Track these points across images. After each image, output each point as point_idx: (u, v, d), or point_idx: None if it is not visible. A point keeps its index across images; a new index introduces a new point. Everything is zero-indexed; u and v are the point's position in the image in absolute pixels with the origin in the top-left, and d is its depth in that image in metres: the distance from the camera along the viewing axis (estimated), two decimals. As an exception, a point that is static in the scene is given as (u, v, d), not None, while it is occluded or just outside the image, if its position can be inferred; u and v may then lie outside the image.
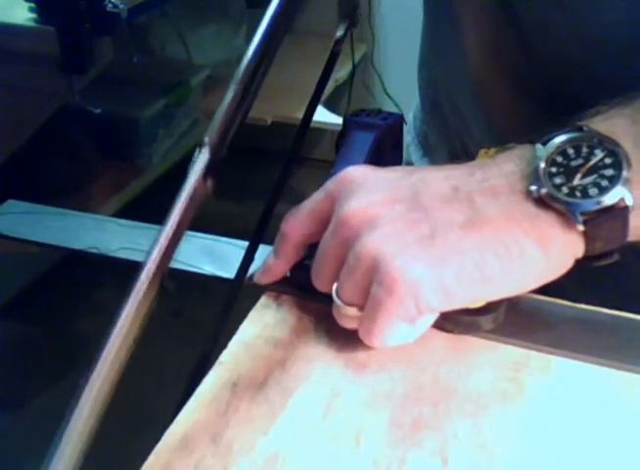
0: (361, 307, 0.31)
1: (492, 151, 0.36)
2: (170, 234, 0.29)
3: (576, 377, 0.32)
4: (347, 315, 0.32)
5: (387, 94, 1.81)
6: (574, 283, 0.32)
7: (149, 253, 0.28)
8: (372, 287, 0.30)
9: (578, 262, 0.30)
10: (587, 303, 0.36)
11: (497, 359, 0.33)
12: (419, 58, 0.53)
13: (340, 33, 0.45)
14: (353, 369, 0.33)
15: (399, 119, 0.45)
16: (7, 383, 1.26)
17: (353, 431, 0.30)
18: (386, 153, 0.44)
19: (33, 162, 1.41)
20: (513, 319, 0.34)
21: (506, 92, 0.43)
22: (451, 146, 0.51)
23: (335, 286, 0.32)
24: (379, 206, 0.31)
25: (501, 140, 0.34)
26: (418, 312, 0.30)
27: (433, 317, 0.32)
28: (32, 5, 1.08)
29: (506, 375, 0.32)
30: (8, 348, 1.33)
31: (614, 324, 0.35)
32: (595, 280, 0.39)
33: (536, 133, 0.32)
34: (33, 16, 1.08)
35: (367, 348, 0.32)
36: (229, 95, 0.30)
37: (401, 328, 0.31)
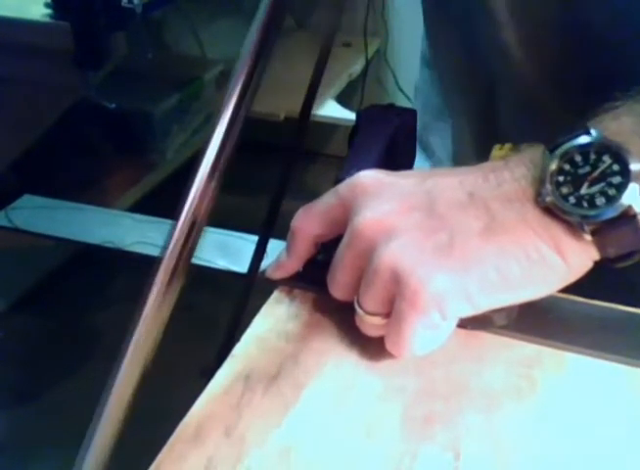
0: (384, 316, 0.31)
1: (506, 147, 0.35)
2: (188, 225, 0.29)
3: (590, 374, 0.32)
4: (371, 324, 0.32)
5: (400, 89, 1.81)
6: (589, 279, 0.32)
7: (166, 246, 0.29)
8: (395, 300, 0.30)
9: (598, 264, 0.30)
10: (602, 299, 0.36)
11: (510, 355, 0.33)
12: (421, 56, 0.53)
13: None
14: (365, 363, 0.33)
15: (413, 115, 0.45)
16: (22, 375, 1.27)
17: (365, 424, 0.30)
18: (399, 148, 0.44)
19: (48, 157, 1.42)
20: (526, 315, 0.34)
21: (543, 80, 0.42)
22: (452, 149, 0.51)
23: (355, 296, 0.32)
24: (394, 215, 0.31)
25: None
26: (442, 320, 0.30)
27: (456, 320, 0.32)
28: (48, 1, 1.08)
29: (519, 371, 0.32)
30: (23, 340, 1.34)
31: (629, 321, 0.35)
32: (610, 277, 0.39)
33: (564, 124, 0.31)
34: (49, 11, 1.08)
35: (379, 342, 0.32)
36: (221, 127, 0.30)
37: (427, 336, 0.31)
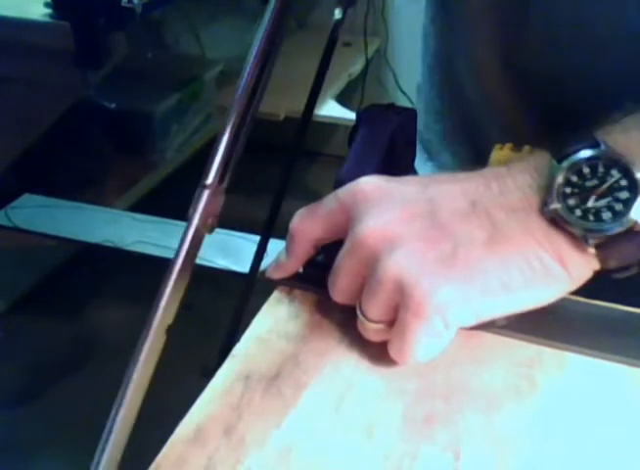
0: (387, 324, 0.31)
1: (507, 147, 0.35)
2: (199, 227, 0.29)
3: (590, 374, 0.32)
4: (373, 331, 0.32)
5: (400, 89, 1.81)
6: (590, 279, 0.32)
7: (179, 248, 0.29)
8: (399, 310, 0.30)
9: (597, 273, 0.30)
10: (602, 299, 0.36)
11: (510, 356, 0.33)
12: (422, 63, 0.53)
13: (338, 16, 0.44)
14: (366, 363, 0.33)
15: (413, 115, 0.45)
16: (25, 375, 1.27)
17: (366, 424, 0.30)
18: (399, 148, 0.44)
19: (48, 156, 1.42)
20: (527, 315, 0.34)
21: (514, 98, 0.43)
22: (453, 149, 0.51)
23: (358, 303, 0.32)
24: (396, 224, 0.31)
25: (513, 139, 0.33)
26: (445, 329, 0.30)
27: (458, 328, 0.32)
28: (48, 0, 1.08)
29: (519, 371, 0.32)
30: (24, 340, 1.34)
31: (629, 321, 0.35)
32: (611, 278, 0.39)
33: (541, 138, 0.31)
34: (49, 11, 1.08)
35: (379, 342, 0.32)
36: (225, 135, 0.30)
37: (430, 344, 0.31)
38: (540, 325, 0.34)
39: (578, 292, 0.34)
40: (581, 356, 0.33)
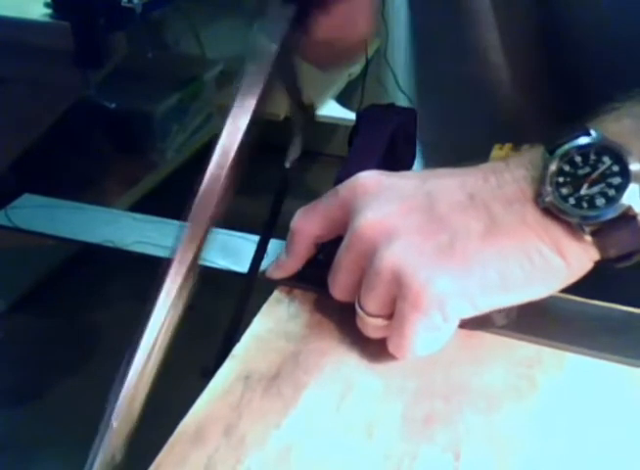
0: (386, 318, 0.31)
1: (507, 147, 0.35)
2: (200, 225, 0.29)
3: (590, 374, 0.32)
4: (372, 326, 0.32)
5: (400, 89, 1.80)
6: (589, 279, 0.32)
7: (178, 245, 0.29)
8: (397, 302, 0.30)
9: (599, 264, 0.30)
10: (602, 299, 0.36)
11: (510, 355, 0.33)
12: (413, 64, 0.53)
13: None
14: (365, 363, 0.33)
15: (413, 115, 0.45)
16: (25, 375, 1.27)
17: (366, 424, 0.30)
18: (399, 148, 0.44)
19: (48, 156, 1.42)
20: (526, 315, 0.34)
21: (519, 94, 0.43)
22: (448, 148, 0.51)
23: (357, 297, 0.32)
24: (394, 216, 0.31)
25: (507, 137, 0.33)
26: (444, 322, 0.30)
27: (457, 321, 0.32)
28: (48, 1, 1.08)
29: (518, 371, 0.32)
30: (24, 340, 1.34)
31: (628, 321, 0.35)
32: (610, 277, 0.39)
33: (547, 132, 0.31)
34: (49, 11, 1.08)
35: (379, 342, 0.32)
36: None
37: (429, 338, 0.31)
38: (540, 325, 0.34)
39: (578, 292, 0.35)
40: (581, 356, 0.33)
